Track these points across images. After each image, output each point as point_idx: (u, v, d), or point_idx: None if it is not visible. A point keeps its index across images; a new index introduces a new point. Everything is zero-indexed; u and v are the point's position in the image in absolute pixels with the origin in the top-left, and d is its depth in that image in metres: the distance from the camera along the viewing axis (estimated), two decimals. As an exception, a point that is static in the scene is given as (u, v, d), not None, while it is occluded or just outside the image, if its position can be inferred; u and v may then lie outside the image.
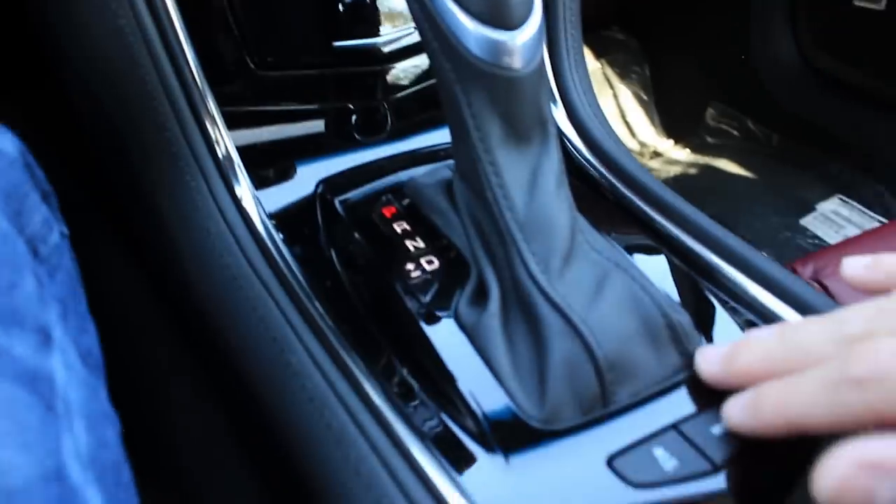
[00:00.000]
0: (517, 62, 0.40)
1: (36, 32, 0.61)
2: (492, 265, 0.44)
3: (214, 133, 0.52)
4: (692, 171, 1.59)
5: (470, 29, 0.39)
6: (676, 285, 0.48)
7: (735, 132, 1.56)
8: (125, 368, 0.79)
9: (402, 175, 0.56)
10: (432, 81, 0.62)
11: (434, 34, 0.40)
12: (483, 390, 0.40)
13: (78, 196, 0.82)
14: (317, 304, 0.45)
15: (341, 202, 0.54)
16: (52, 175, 0.86)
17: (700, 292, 0.49)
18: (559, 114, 0.64)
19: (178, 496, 0.66)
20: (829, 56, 1.38)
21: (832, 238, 1.35)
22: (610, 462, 0.38)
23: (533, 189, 0.42)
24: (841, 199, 1.55)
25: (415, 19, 0.41)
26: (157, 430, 0.66)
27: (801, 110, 1.43)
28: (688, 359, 0.43)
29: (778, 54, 1.42)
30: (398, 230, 0.50)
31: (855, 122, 1.37)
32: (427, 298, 0.45)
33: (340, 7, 0.57)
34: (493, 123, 0.41)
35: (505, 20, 0.39)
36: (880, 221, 1.34)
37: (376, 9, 0.59)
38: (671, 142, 1.67)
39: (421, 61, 0.61)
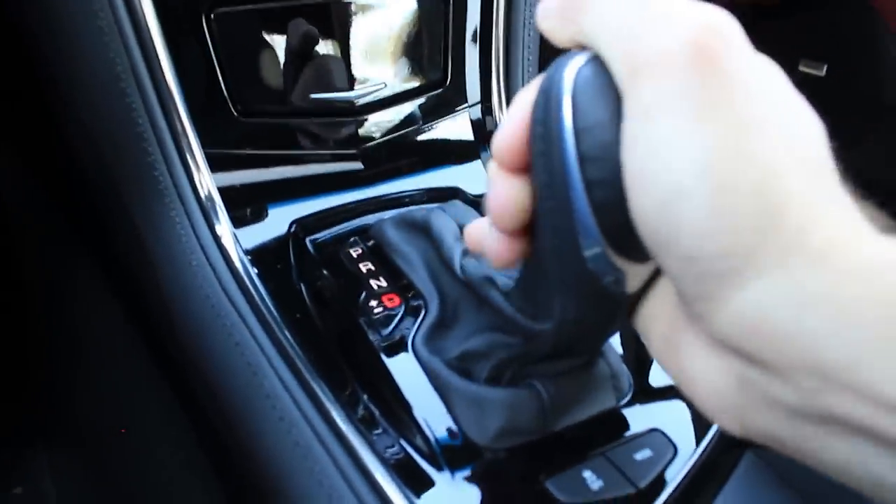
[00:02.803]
0: None
1: (37, 75, 0.65)
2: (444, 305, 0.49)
3: (198, 174, 0.57)
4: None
5: None
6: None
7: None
8: (94, 389, 0.83)
9: (370, 218, 0.61)
10: (400, 133, 0.67)
11: None
12: (434, 416, 0.45)
13: (59, 224, 0.86)
14: (287, 333, 0.50)
15: (312, 241, 0.59)
16: (33, 201, 0.90)
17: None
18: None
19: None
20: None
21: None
22: (543, 481, 0.43)
23: None
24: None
25: None
26: (128, 441, 0.70)
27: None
28: (619, 394, 0.48)
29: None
30: (363, 270, 0.55)
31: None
32: (387, 332, 0.50)
33: (318, 62, 0.62)
34: None
35: None
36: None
37: (351, 65, 0.64)
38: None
39: (390, 115, 0.67)
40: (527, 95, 0.37)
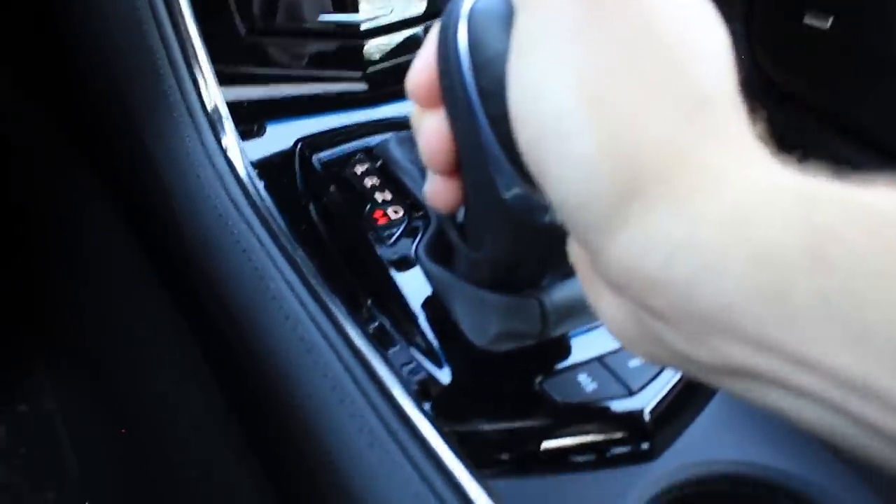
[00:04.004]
0: None
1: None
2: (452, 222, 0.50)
3: (206, 88, 0.58)
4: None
5: None
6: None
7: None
8: (96, 305, 0.84)
9: (374, 139, 0.62)
10: (404, 58, 0.68)
11: None
12: (435, 318, 0.47)
13: (59, 142, 0.87)
14: (293, 240, 0.51)
15: (318, 159, 0.60)
16: (33, 119, 0.91)
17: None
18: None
19: (151, 421, 0.71)
20: (783, 70, 1.45)
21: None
22: (539, 383, 0.45)
23: None
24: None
25: None
26: (131, 357, 0.72)
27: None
28: None
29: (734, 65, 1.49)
30: (368, 184, 0.56)
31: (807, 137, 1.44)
32: (391, 241, 0.51)
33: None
34: None
35: None
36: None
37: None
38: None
39: (395, 39, 0.68)
40: (436, 29, 0.36)
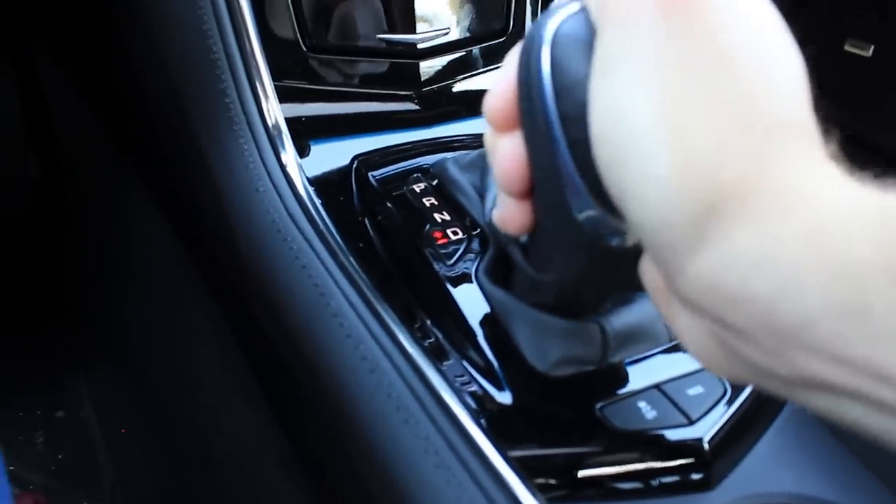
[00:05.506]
0: None
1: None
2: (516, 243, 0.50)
3: (267, 104, 0.58)
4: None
5: None
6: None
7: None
8: (138, 313, 0.85)
9: (430, 159, 0.62)
10: (458, 78, 0.69)
11: None
12: (495, 341, 0.47)
13: (109, 150, 0.88)
14: (351, 258, 0.51)
15: (374, 176, 0.60)
16: (89, 130, 0.92)
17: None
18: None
19: (193, 433, 0.72)
20: (821, 98, 1.45)
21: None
22: (600, 409, 0.45)
23: None
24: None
25: None
26: (178, 363, 0.72)
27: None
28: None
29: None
30: (427, 204, 0.57)
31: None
32: (451, 261, 0.51)
33: (385, 3, 0.64)
34: None
35: None
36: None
37: (415, 9, 0.66)
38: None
39: (451, 60, 0.68)
40: (516, 54, 0.36)
